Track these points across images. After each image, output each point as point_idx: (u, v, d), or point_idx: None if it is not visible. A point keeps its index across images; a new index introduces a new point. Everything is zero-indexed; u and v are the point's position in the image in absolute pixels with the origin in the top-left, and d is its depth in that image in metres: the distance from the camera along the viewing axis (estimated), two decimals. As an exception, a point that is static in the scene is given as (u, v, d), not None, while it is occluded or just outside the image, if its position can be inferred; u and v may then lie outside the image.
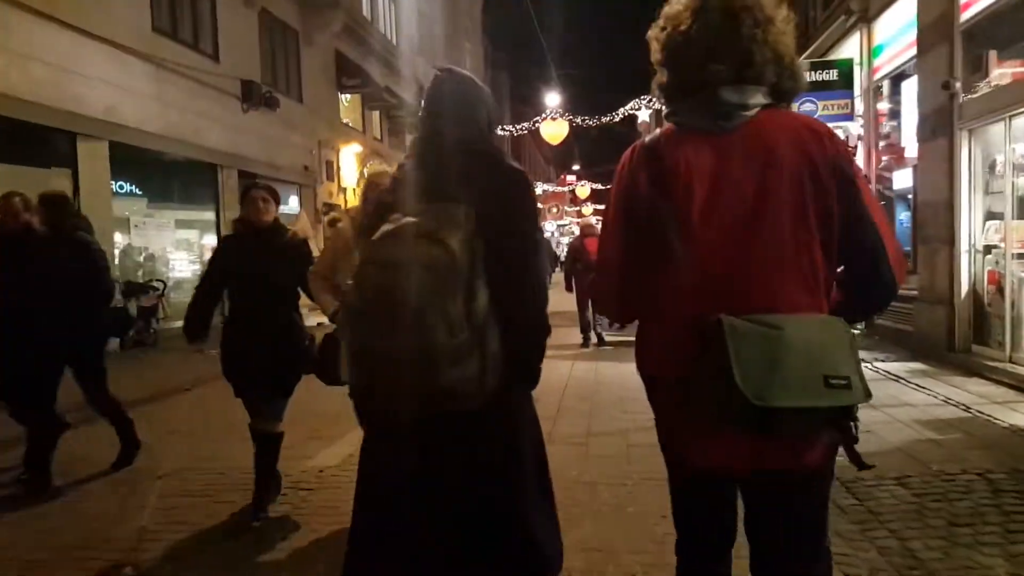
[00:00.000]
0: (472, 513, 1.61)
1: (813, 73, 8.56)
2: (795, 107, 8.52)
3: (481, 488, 1.60)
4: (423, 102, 1.75)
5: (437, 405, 1.47)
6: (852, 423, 1.21)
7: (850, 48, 8.68)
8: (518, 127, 22.31)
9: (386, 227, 1.52)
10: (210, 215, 11.70)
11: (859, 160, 8.35)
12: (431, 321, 1.41)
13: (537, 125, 21.47)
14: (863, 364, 1.30)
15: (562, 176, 56.12)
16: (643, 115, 21.39)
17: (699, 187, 1.30)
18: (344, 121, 17.16)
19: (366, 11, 18.70)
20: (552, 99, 22.84)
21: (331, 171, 15.92)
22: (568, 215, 58.30)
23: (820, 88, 8.51)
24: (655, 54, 1.42)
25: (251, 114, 12.42)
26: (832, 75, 8.54)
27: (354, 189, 17.14)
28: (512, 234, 1.59)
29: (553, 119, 21.33)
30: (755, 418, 1.16)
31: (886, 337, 7.58)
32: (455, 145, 1.65)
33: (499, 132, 14.08)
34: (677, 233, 1.30)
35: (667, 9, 1.41)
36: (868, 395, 1.21)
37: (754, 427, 1.18)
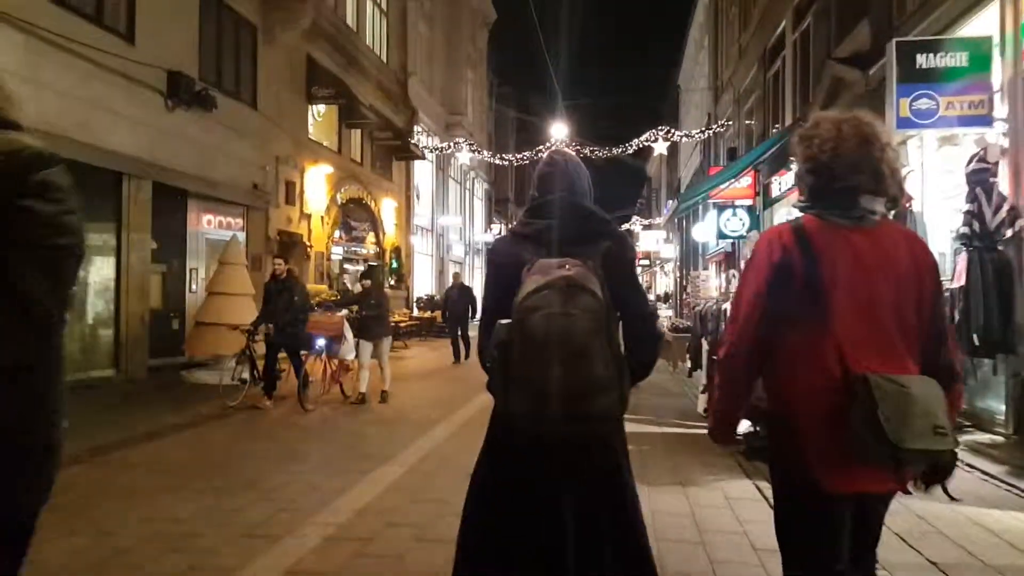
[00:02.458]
0: (596, 520, 1.91)
1: (929, 57, 5.98)
2: (906, 101, 5.76)
3: (606, 496, 1.94)
4: (542, 175, 2.14)
5: (588, 426, 1.80)
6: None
7: (984, 23, 6.15)
8: (519, 156, 19.87)
9: (537, 278, 1.81)
10: (108, 238, 9.04)
11: (1002, 182, 5.71)
12: (593, 357, 1.74)
13: (540, 156, 19.06)
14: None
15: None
16: (659, 147, 18.98)
17: (843, 269, 1.72)
18: (314, 137, 14.70)
19: (351, 20, 16.51)
20: (559, 131, 20.49)
21: (291, 193, 13.37)
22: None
23: (941, 78, 5.91)
24: (802, 164, 1.85)
25: (179, 113, 9.92)
26: (959, 59, 5.95)
27: (322, 217, 14.57)
28: (629, 282, 2.02)
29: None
30: (894, 456, 1.58)
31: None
32: (578, 211, 2.06)
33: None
34: (825, 303, 1.71)
35: (810, 132, 1.84)
36: (957, 443, 1.69)
37: (892, 463, 1.60)
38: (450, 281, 16.00)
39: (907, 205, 6.65)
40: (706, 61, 23.52)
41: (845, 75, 8.68)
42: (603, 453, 1.92)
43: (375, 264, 17.80)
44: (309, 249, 13.97)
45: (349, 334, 8.06)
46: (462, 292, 13.29)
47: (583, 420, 1.75)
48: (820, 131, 1.82)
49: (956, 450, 1.69)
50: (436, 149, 20.47)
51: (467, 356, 12.63)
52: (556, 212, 2.02)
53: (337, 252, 16.92)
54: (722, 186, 14.07)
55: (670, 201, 35.38)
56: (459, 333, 12.84)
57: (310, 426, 6.82)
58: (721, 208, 15.57)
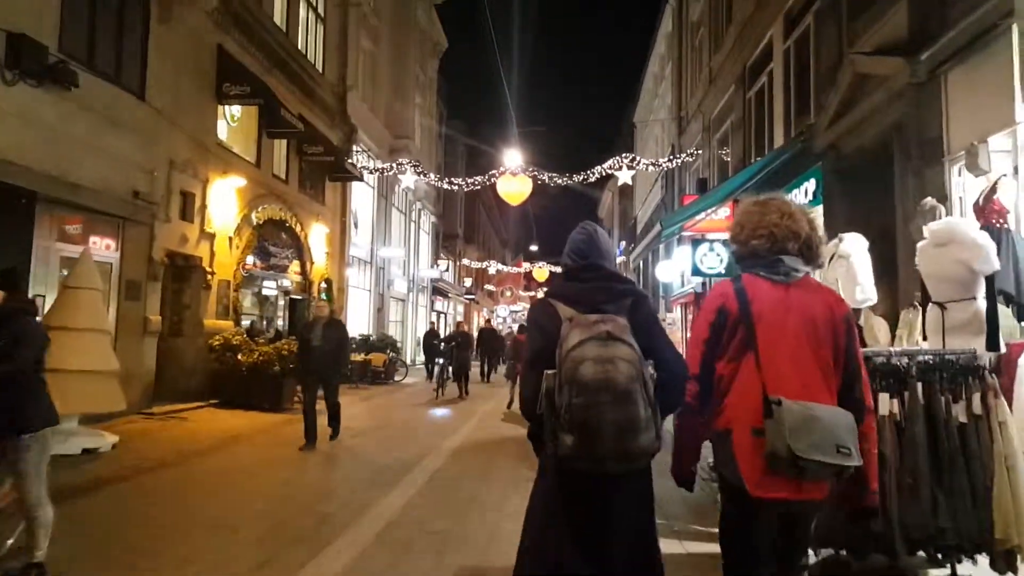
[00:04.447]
0: (631, 541, 2.25)
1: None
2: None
3: (639, 521, 2.28)
4: (576, 244, 2.51)
5: (632, 461, 2.09)
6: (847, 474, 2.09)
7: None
8: (470, 181, 17.88)
9: (579, 331, 2.13)
10: None
11: None
12: (636, 399, 2.03)
13: (494, 180, 17.14)
14: None
15: (518, 259, 52.14)
16: (624, 176, 17.32)
17: (769, 315, 2.17)
18: (225, 144, 12.29)
19: (279, 19, 14.37)
20: (513, 158, 18.63)
21: (189, 207, 10.88)
22: (522, 300, 53.86)
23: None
24: (740, 236, 2.36)
25: (23, 90, 7.46)
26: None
27: (230, 238, 12.09)
28: (655, 333, 2.30)
29: (514, 174, 17.07)
30: (795, 464, 1.99)
31: None
32: (608, 275, 2.45)
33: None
34: (753, 342, 2.15)
35: (741, 220, 2.38)
36: (860, 462, 2.09)
37: (794, 470, 2.00)
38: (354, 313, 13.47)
39: (1001, 223, 4.88)
40: (668, 92, 22.35)
41: (877, 69, 7.04)
42: (640, 481, 2.26)
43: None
44: (210, 277, 11.44)
45: None
46: (330, 331, 7.97)
47: (629, 457, 2.06)
48: (749, 220, 2.33)
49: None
50: (377, 170, 18.26)
51: (334, 434, 8.03)
52: (589, 277, 2.42)
53: (269, 285, 14.39)
54: (700, 216, 12.39)
55: (623, 243, 34.08)
56: (319, 394, 7.95)
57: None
58: (696, 243, 13.90)
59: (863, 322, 5.31)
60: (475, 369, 17.97)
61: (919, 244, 4.25)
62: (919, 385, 3.44)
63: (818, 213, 8.96)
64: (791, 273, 2.22)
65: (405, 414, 11.84)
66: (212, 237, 11.48)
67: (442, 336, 19.28)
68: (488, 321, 23.69)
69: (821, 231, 2.34)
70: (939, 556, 3.49)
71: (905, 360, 3.52)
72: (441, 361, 15.51)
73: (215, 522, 4.82)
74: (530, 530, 2.33)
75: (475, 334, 21.10)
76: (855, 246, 5.25)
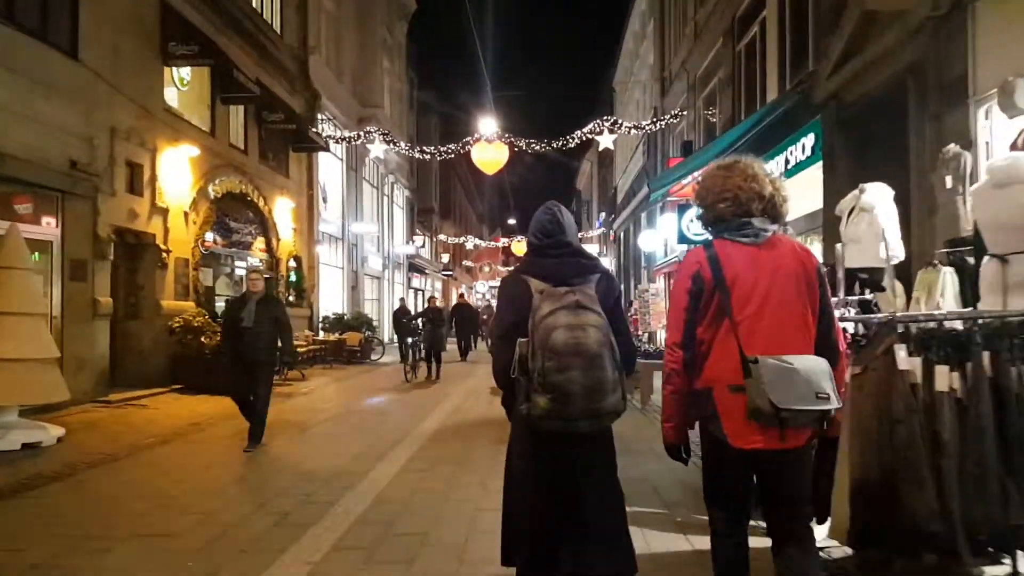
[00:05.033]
0: (599, 497, 2.52)
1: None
2: None
3: (606, 481, 2.57)
4: (542, 224, 2.67)
5: (600, 419, 2.33)
6: (826, 420, 2.18)
7: None
8: (443, 149, 17.02)
9: (551, 302, 2.34)
10: None
11: None
12: (605, 364, 2.25)
13: (468, 148, 16.31)
14: None
15: (495, 234, 51.29)
16: (605, 141, 16.60)
17: (741, 277, 2.22)
18: (175, 110, 11.30)
19: (232, -26, 13.26)
20: (488, 125, 17.75)
21: (137, 180, 9.96)
22: (501, 275, 53.17)
23: None
24: (706, 200, 2.39)
25: (-77, 42, 6.53)
26: None
27: (186, 213, 11.19)
28: (616, 309, 2.54)
29: (489, 142, 16.25)
30: (777, 415, 2.07)
31: None
32: (576, 251, 2.67)
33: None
34: (729, 304, 2.20)
35: (706, 185, 2.40)
36: (840, 404, 2.19)
37: (776, 421, 2.09)
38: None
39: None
40: (650, 52, 21.55)
41: (889, 5, 6.41)
42: (604, 440, 2.54)
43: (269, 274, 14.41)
44: (165, 255, 10.57)
45: None
46: (265, 310, 6.45)
47: (598, 415, 2.29)
48: (714, 184, 2.37)
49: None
50: (344, 139, 17.29)
51: (258, 436, 6.49)
52: (558, 254, 2.59)
53: (233, 264, 13.49)
54: (687, 180, 11.77)
55: (603, 214, 33.47)
56: (251, 387, 6.48)
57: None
58: (682, 208, 13.31)
59: (886, 283, 4.73)
60: (451, 346, 17.18)
61: (973, 187, 3.66)
62: (985, 355, 2.86)
63: (817, 167, 8.38)
64: (760, 234, 2.27)
65: (378, 397, 11.11)
66: (165, 212, 10.58)
67: (414, 313, 18.31)
68: (462, 296, 22.90)
69: (784, 191, 2.36)
70: (990, 550, 2.97)
71: (966, 325, 2.95)
72: (411, 340, 13.98)
73: (153, 528, 4.12)
74: (509, 491, 2.61)
75: (450, 309, 20.36)
76: (879, 196, 4.65)
